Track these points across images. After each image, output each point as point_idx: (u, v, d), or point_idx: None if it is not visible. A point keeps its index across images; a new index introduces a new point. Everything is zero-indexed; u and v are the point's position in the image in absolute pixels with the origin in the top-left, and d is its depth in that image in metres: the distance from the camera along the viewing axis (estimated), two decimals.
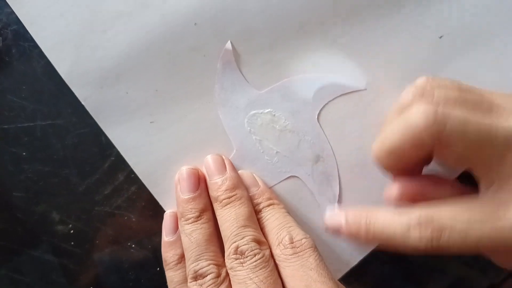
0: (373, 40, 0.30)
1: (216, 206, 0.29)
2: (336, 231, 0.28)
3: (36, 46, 0.30)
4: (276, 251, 0.27)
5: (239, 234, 0.27)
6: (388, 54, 0.30)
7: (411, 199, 0.27)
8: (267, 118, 0.30)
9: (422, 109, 0.23)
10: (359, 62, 0.30)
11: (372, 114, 0.30)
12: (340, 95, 0.30)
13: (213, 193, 0.29)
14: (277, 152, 0.31)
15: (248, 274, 0.25)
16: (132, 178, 0.31)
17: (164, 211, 0.31)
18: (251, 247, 0.26)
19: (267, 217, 0.29)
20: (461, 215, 0.23)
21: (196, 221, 0.28)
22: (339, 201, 0.31)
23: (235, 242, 0.27)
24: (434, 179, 0.27)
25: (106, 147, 0.31)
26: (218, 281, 0.26)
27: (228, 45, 0.30)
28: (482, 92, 0.25)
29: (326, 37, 0.30)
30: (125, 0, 0.29)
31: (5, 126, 0.31)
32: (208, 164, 0.30)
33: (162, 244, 0.30)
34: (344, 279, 0.31)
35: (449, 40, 0.30)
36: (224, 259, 0.27)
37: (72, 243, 0.32)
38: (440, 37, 0.30)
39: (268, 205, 0.29)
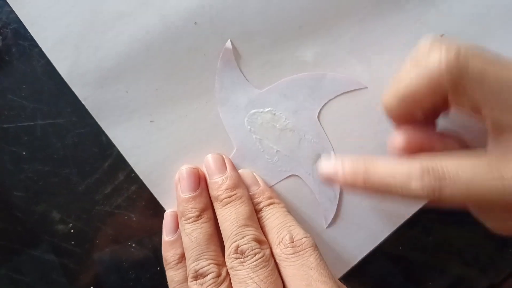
0: (373, 39, 0.30)
1: (216, 205, 0.29)
2: (331, 180, 0.27)
3: (36, 45, 0.30)
4: (277, 251, 0.27)
5: (239, 234, 0.27)
6: (389, 53, 0.30)
7: (415, 150, 0.26)
8: (267, 117, 0.30)
9: (444, 53, 0.22)
10: (359, 60, 0.30)
11: (373, 113, 0.30)
12: (341, 94, 0.30)
13: (213, 192, 0.29)
14: (277, 151, 0.31)
15: (248, 274, 0.25)
16: (132, 177, 0.31)
17: (164, 211, 0.31)
18: (252, 246, 0.26)
19: (267, 216, 0.29)
20: (466, 166, 0.22)
21: (197, 221, 0.28)
22: (340, 200, 0.31)
23: (235, 241, 0.27)
24: (440, 132, 0.27)
25: (106, 147, 0.31)
26: (219, 280, 0.26)
27: (228, 44, 0.30)
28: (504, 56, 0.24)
29: (327, 36, 0.30)
30: (126, 0, 0.29)
31: (5, 126, 0.31)
32: (208, 163, 0.30)
33: (163, 243, 0.30)
34: (344, 278, 0.31)
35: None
36: (224, 259, 0.27)
37: (72, 242, 0.32)
38: (441, 35, 0.30)
39: (269, 204, 0.29)
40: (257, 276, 0.25)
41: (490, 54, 0.23)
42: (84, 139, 0.31)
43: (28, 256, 0.32)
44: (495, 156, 0.23)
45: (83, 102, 0.30)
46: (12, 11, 0.29)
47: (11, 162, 0.31)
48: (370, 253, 0.31)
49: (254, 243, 0.26)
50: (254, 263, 0.26)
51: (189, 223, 0.28)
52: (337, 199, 0.31)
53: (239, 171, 0.30)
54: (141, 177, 0.31)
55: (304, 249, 0.26)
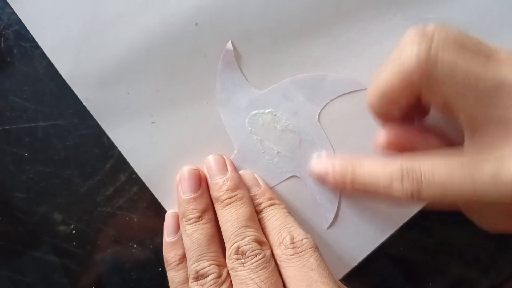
0: (373, 40, 0.30)
1: (217, 206, 0.29)
2: (322, 179, 0.28)
3: (37, 46, 0.30)
4: (277, 251, 0.27)
5: (240, 234, 0.27)
6: (389, 54, 0.30)
7: (398, 148, 0.27)
8: (268, 118, 0.31)
9: (415, 49, 0.22)
10: (359, 61, 0.30)
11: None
12: (341, 95, 0.30)
13: (214, 193, 0.29)
14: (278, 152, 0.31)
15: (249, 275, 0.25)
16: (133, 178, 0.31)
17: (165, 212, 0.31)
18: (252, 247, 0.26)
19: (268, 217, 0.29)
20: (441, 168, 0.23)
21: (198, 222, 0.28)
22: (340, 201, 0.31)
23: (236, 242, 0.27)
24: (423, 128, 0.27)
25: (107, 148, 0.31)
26: (219, 281, 0.26)
27: (229, 45, 0.30)
28: (489, 44, 0.24)
29: (327, 36, 0.30)
30: (126, 1, 0.29)
31: (7, 127, 0.31)
32: (209, 164, 0.30)
33: (164, 244, 0.30)
34: (345, 279, 0.31)
35: None
36: (225, 259, 0.27)
37: (74, 243, 0.32)
38: None
39: (269, 205, 0.29)
40: (258, 277, 0.25)
41: (471, 46, 0.23)
42: (85, 140, 0.31)
43: (30, 257, 0.32)
44: (469, 156, 0.23)
45: (84, 103, 0.30)
46: (13, 13, 0.30)
47: (12, 163, 0.31)
48: (370, 254, 0.31)
49: (254, 244, 0.26)
50: (255, 264, 0.26)
51: (190, 224, 0.28)
52: (338, 200, 0.31)
53: (240, 172, 0.30)
54: (142, 178, 0.31)
55: (305, 250, 0.26)
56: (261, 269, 0.26)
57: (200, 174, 0.30)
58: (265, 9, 0.29)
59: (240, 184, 0.29)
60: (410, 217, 0.31)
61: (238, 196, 0.28)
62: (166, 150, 0.31)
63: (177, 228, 0.30)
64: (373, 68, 0.30)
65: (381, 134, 0.27)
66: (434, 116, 0.28)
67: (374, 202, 0.30)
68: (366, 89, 0.30)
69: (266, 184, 0.30)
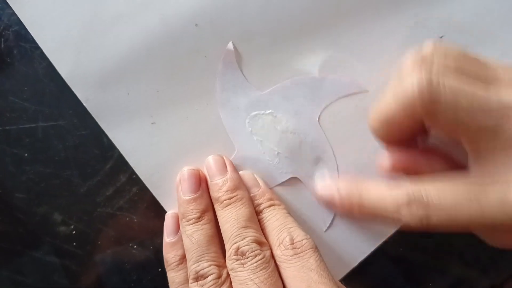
0: (373, 41, 0.30)
1: (217, 207, 0.29)
2: (329, 205, 0.29)
3: (37, 47, 0.30)
4: (277, 252, 0.27)
5: (240, 235, 0.27)
6: (389, 55, 0.30)
7: (403, 170, 0.27)
8: (268, 119, 0.31)
9: (417, 78, 0.22)
10: (359, 61, 0.30)
11: None
12: (341, 97, 0.30)
13: (214, 194, 0.29)
14: (278, 153, 0.31)
15: (248, 275, 0.25)
16: (133, 179, 0.31)
17: (165, 212, 0.31)
18: (252, 248, 0.26)
19: (268, 218, 0.29)
20: (448, 193, 0.23)
21: (197, 222, 0.28)
22: None
23: (236, 243, 0.27)
24: (427, 151, 0.27)
25: (107, 149, 0.31)
26: (219, 282, 0.26)
27: (230, 45, 0.30)
28: (487, 62, 0.24)
29: (327, 38, 0.30)
30: (126, 2, 0.29)
31: (7, 127, 0.31)
32: (209, 165, 0.30)
33: (164, 245, 0.30)
34: (344, 280, 0.31)
35: (450, 40, 0.30)
36: (225, 260, 0.27)
37: (74, 244, 0.32)
38: (441, 37, 0.30)
39: (269, 206, 0.29)
40: (257, 277, 0.25)
41: (472, 68, 0.23)
42: (85, 141, 0.31)
43: (30, 258, 0.32)
44: (475, 181, 0.23)
45: (84, 104, 0.30)
46: (13, 13, 0.30)
47: (12, 164, 0.31)
48: (370, 255, 0.31)
49: (254, 245, 0.26)
50: (254, 264, 0.26)
51: (190, 224, 0.28)
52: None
53: (240, 172, 0.30)
54: (142, 178, 0.31)
55: (304, 251, 0.26)
56: (260, 270, 0.26)
57: (200, 175, 0.30)
58: (265, 10, 0.29)
59: (240, 185, 0.29)
60: None
61: (238, 196, 0.28)
62: (166, 151, 0.31)
63: (177, 228, 0.30)
64: (373, 69, 0.30)
65: (385, 157, 0.27)
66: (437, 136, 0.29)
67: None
68: (366, 91, 0.30)
69: (266, 184, 0.30)
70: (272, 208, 0.29)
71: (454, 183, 0.24)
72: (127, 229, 0.32)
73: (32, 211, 0.32)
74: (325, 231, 0.31)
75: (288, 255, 0.26)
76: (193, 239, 0.28)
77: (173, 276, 0.29)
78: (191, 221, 0.28)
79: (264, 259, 0.26)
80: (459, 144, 0.24)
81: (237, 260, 0.26)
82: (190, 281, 0.27)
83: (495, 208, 0.22)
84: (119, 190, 0.31)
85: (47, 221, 0.32)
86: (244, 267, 0.26)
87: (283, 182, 0.31)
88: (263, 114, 0.30)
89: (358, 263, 0.31)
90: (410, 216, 0.24)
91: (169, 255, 0.29)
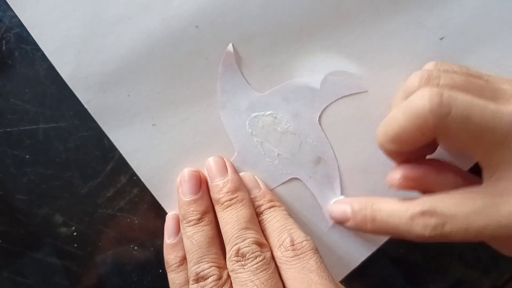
0: (373, 42, 0.30)
1: (217, 208, 0.29)
2: (342, 223, 0.29)
3: (38, 49, 0.30)
4: (277, 253, 0.27)
5: (240, 236, 0.27)
6: (389, 56, 0.30)
7: (413, 186, 0.27)
8: (268, 120, 0.31)
9: (427, 93, 0.22)
10: (360, 64, 0.30)
11: (373, 117, 0.30)
12: (341, 97, 0.30)
13: (214, 195, 0.29)
14: (278, 154, 0.31)
15: (249, 277, 0.25)
16: (134, 180, 0.31)
17: (166, 213, 0.31)
18: (252, 249, 0.26)
19: (268, 219, 0.29)
20: (464, 205, 0.23)
21: (198, 223, 0.28)
22: None
23: (236, 244, 0.27)
24: (437, 166, 0.27)
25: (108, 150, 0.31)
26: (220, 283, 0.26)
27: (230, 47, 0.30)
28: (490, 78, 0.25)
29: (327, 39, 0.30)
30: (127, 4, 0.29)
31: (8, 129, 0.31)
32: (209, 166, 0.30)
33: (164, 246, 0.30)
34: (345, 281, 0.31)
35: (450, 41, 0.30)
36: (225, 261, 0.27)
37: (75, 245, 0.32)
38: (441, 38, 0.30)
39: (269, 207, 0.29)
40: (258, 279, 0.25)
41: (478, 84, 0.23)
42: (86, 142, 0.31)
43: (31, 259, 0.32)
44: (490, 193, 0.23)
45: (85, 105, 0.30)
46: (15, 16, 0.30)
47: (13, 166, 0.31)
48: (371, 256, 0.31)
49: (254, 246, 0.26)
50: (255, 266, 0.26)
51: (190, 226, 0.28)
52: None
53: (240, 174, 0.30)
54: (143, 180, 0.31)
55: (305, 252, 0.26)
56: (261, 271, 0.26)
57: (200, 176, 0.30)
58: (265, 11, 0.29)
59: (240, 186, 0.29)
60: None
61: (238, 198, 0.28)
62: (167, 152, 0.31)
63: (178, 230, 0.30)
64: (373, 69, 0.30)
65: (395, 172, 0.27)
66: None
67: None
68: (366, 91, 0.30)
69: (267, 186, 0.30)
70: (272, 209, 0.29)
71: (470, 194, 0.24)
72: (128, 230, 0.32)
73: (33, 212, 0.32)
74: (327, 230, 0.31)
75: (288, 257, 0.26)
76: (193, 240, 0.28)
77: (174, 277, 0.29)
78: (192, 223, 0.28)
79: (264, 260, 0.26)
80: (470, 158, 0.24)
81: (237, 261, 0.26)
82: (191, 282, 0.27)
83: None
84: (119, 192, 0.32)
85: (48, 223, 0.32)
86: (244, 269, 0.26)
87: (284, 183, 0.31)
88: (263, 115, 0.30)
89: (358, 264, 0.31)
90: (424, 228, 0.24)
91: (170, 256, 0.29)
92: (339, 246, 0.31)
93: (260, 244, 0.27)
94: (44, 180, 0.31)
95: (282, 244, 0.27)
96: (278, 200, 0.30)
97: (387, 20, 0.30)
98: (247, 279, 0.25)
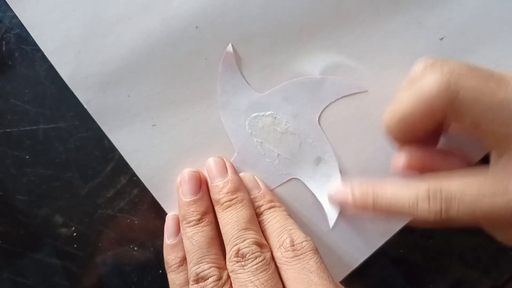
0: (373, 42, 0.30)
1: (217, 208, 0.29)
2: (342, 205, 0.28)
3: (38, 49, 0.30)
4: (277, 254, 0.27)
5: (240, 237, 0.27)
6: (389, 56, 0.30)
7: (418, 169, 0.26)
8: (268, 121, 0.31)
9: (435, 77, 0.22)
10: (359, 63, 0.30)
11: (373, 116, 0.30)
12: (341, 97, 0.30)
13: (214, 195, 0.29)
14: (278, 154, 0.31)
15: (249, 277, 0.25)
16: (134, 181, 0.31)
17: (166, 214, 0.31)
18: (252, 250, 0.26)
19: (268, 220, 0.29)
20: (471, 187, 0.23)
21: (198, 224, 0.28)
22: None
23: (236, 245, 0.27)
24: (443, 150, 0.27)
25: (108, 151, 0.31)
26: (220, 283, 0.26)
27: (229, 48, 0.30)
28: (490, 69, 0.24)
29: (327, 39, 0.30)
30: (127, 4, 0.29)
31: (8, 130, 0.31)
32: (209, 166, 0.30)
33: (164, 247, 0.30)
34: (345, 281, 0.31)
35: (450, 41, 0.30)
36: (225, 262, 0.27)
37: (75, 246, 0.32)
38: (441, 38, 0.30)
39: (269, 208, 0.29)
40: (258, 279, 0.25)
41: (483, 73, 0.23)
42: (86, 143, 0.31)
43: (31, 260, 0.32)
44: (498, 174, 0.23)
45: (85, 106, 0.30)
46: (14, 16, 0.30)
47: (14, 166, 0.31)
48: (371, 256, 0.31)
49: (254, 247, 0.26)
50: (255, 266, 0.26)
51: (190, 226, 0.28)
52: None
53: (240, 174, 0.30)
54: (143, 180, 0.31)
55: (305, 253, 0.26)
56: (261, 272, 0.26)
57: (200, 177, 0.30)
58: (265, 11, 0.29)
59: (240, 187, 0.29)
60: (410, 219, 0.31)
61: (238, 198, 0.28)
62: (167, 153, 0.31)
63: (178, 230, 0.30)
64: (373, 69, 0.30)
65: (400, 156, 0.27)
66: (450, 137, 0.29)
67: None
68: (366, 91, 0.30)
69: (266, 186, 0.30)
70: (272, 210, 0.29)
71: (477, 177, 0.23)
72: (128, 230, 0.32)
73: (33, 213, 0.32)
74: (327, 231, 0.31)
75: (288, 257, 0.26)
76: (193, 241, 0.28)
77: (174, 278, 0.29)
78: (192, 223, 0.28)
79: (264, 261, 0.26)
80: (480, 141, 0.24)
81: (237, 262, 0.26)
82: (191, 283, 0.27)
83: None
84: (119, 192, 0.32)
85: (48, 223, 0.32)
86: (244, 269, 0.26)
87: (284, 183, 0.31)
88: (263, 115, 0.30)
89: (358, 264, 0.31)
90: (428, 210, 0.23)
91: (170, 257, 0.29)
92: (339, 247, 0.31)
93: (260, 245, 0.27)
94: (44, 180, 0.31)
95: (282, 245, 0.27)
96: (278, 201, 0.30)
97: (387, 20, 0.30)
98: (247, 279, 0.25)
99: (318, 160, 0.31)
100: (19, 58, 0.31)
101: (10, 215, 0.32)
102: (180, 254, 0.29)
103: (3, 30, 0.31)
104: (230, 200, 0.28)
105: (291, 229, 0.28)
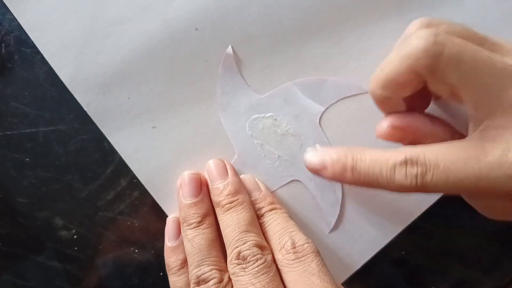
0: (374, 43, 0.30)
1: (218, 211, 0.29)
2: (318, 171, 0.27)
3: (38, 52, 0.30)
4: (278, 256, 0.27)
5: (241, 239, 0.27)
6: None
7: (401, 136, 0.26)
8: (268, 122, 0.31)
9: (422, 34, 0.22)
10: (360, 64, 0.30)
11: (374, 117, 0.30)
12: (342, 99, 0.30)
13: (215, 198, 0.29)
14: (278, 156, 0.31)
15: (250, 279, 0.25)
16: (134, 183, 0.31)
17: (166, 216, 0.31)
18: (253, 252, 0.26)
19: (269, 222, 0.29)
20: (446, 153, 0.23)
21: (198, 226, 0.28)
22: (342, 205, 0.31)
23: (237, 247, 0.27)
24: (427, 117, 0.27)
25: (108, 153, 0.31)
26: (221, 286, 0.26)
27: (229, 49, 0.30)
28: (487, 35, 0.24)
29: (327, 40, 0.30)
30: (127, 5, 0.29)
31: (8, 132, 0.31)
32: (210, 169, 0.30)
33: (165, 249, 0.30)
34: (346, 283, 0.31)
35: None
36: (226, 264, 0.27)
37: (76, 248, 0.32)
38: None
39: (270, 210, 0.29)
40: (259, 282, 0.25)
41: (477, 35, 0.23)
42: (86, 145, 0.31)
43: (32, 262, 0.32)
44: (474, 140, 0.23)
45: (85, 108, 0.30)
46: (14, 19, 0.30)
47: (14, 169, 0.31)
48: (372, 258, 0.31)
49: (255, 249, 0.26)
50: (256, 269, 0.26)
51: (191, 228, 0.28)
52: (339, 204, 0.31)
53: (241, 176, 0.30)
54: (143, 183, 0.31)
55: (306, 255, 0.26)
56: (262, 274, 0.26)
57: (200, 179, 0.30)
58: (265, 13, 0.29)
59: (240, 189, 0.29)
60: (412, 221, 0.31)
61: (239, 200, 0.28)
62: (167, 155, 0.31)
63: (178, 232, 0.30)
64: (374, 70, 0.30)
65: (384, 122, 0.26)
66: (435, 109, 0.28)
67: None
68: (366, 92, 0.30)
69: (267, 188, 0.30)
70: (273, 212, 0.29)
71: (454, 144, 0.23)
72: (128, 233, 0.32)
73: (34, 215, 0.32)
74: (329, 232, 0.31)
75: (289, 259, 0.26)
76: (194, 243, 0.28)
77: (175, 280, 0.29)
78: (192, 225, 0.28)
79: (265, 263, 0.26)
80: (461, 109, 0.24)
81: (238, 264, 0.26)
82: (192, 285, 0.27)
83: (494, 166, 0.21)
84: (120, 194, 0.31)
85: (48, 226, 0.32)
86: (245, 272, 0.26)
87: (284, 185, 0.31)
88: (263, 117, 0.30)
89: (360, 266, 0.31)
90: (405, 177, 0.23)
91: (171, 259, 0.29)
92: (341, 249, 0.31)
93: (261, 247, 0.27)
94: (44, 183, 0.31)
95: (283, 247, 0.27)
96: (278, 203, 0.30)
97: (387, 21, 0.30)
98: (248, 282, 0.25)
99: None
100: (18, 60, 0.31)
101: (10, 217, 0.32)
102: (181, 257, 0.29)
103: (2, 32, 0.31)
104: (231, 202, 0.28)
105: (292, 231, 0.27)
